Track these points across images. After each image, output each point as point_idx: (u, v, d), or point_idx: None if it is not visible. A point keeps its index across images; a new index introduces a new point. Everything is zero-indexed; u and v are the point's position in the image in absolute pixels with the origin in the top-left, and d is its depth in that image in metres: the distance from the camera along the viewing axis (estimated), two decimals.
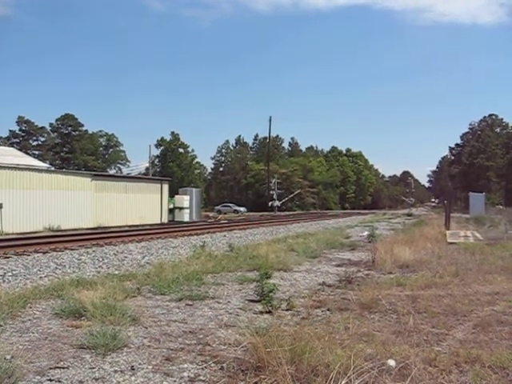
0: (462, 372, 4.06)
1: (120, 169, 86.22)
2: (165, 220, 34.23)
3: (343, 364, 3.63)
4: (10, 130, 79.43)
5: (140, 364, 4.35)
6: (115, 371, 4.15)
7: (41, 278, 9.23)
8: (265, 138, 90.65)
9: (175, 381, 3.99)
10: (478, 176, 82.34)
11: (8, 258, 11.89)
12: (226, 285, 8.65)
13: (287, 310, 6.63)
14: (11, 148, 50.49)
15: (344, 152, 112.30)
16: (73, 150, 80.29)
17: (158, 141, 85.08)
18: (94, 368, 4.22)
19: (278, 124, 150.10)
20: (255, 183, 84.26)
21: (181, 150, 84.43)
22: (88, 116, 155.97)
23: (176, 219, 36.02)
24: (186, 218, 36.46)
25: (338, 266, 11.74)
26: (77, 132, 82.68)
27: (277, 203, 64.17)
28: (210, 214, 51.39)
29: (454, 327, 5.58)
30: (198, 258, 11.73)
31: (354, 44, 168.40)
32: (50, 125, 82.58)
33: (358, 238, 19.76)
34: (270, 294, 6.79)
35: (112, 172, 78.46)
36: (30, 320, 5.88)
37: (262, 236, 20.87)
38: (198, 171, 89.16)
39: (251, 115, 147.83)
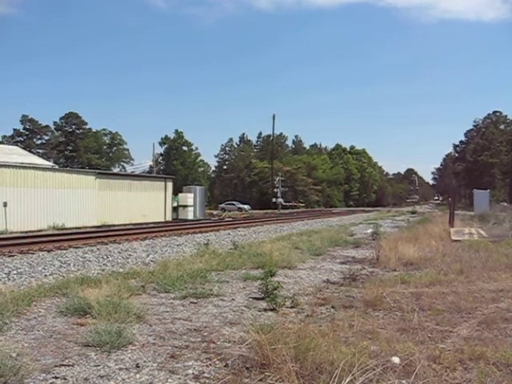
0: (466, 369, 4.05)
1: (124, 167, 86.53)
2: (169, 218, 34.27)
3: (348, 361, 3.63)
4: (14, 129, 79.87)
5: (145, 361, 4.37)
6: (120, 369, 4.17)
7: (45, 276, 9.28)
8: (268, 136, 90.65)
9: (180, 378, 4.00)
10: (482, 173, 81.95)
11: (13, 256, 11.95)
12: (231, 282, 8.67)
13: (291, 307, 6.62)
14: (15, 147, 50.49)
15: (348, 149, 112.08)
16: (77, 148, 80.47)
17: (161, 139, 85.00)
18: (99, 366, 4.24)
19: (282, 122, 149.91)
20: (259, 181, 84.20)
21: (184, 148, 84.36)
22: (92, 114, 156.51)
23: (180, 217, 36.03)
24: (190, 216, 36.48)
25: (342, 263, 11.74)
26: (81, 130, 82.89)
27: (280, 200, 64.07)
28: (214, 212, 51.38)
29: (459, 324, 5.57)
30: (202, 255, 11.75)
31: (357, 41, 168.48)
32: (54, 123, 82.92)
33: (362, 236, 19.71)
34: (275, 292, 6.79)
35: (116, 170, 78.62)
36: (35, 318, 5.91)
37: (265, 234, 20.88)
38: (202, 169, 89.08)
39: (255, 113, 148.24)
